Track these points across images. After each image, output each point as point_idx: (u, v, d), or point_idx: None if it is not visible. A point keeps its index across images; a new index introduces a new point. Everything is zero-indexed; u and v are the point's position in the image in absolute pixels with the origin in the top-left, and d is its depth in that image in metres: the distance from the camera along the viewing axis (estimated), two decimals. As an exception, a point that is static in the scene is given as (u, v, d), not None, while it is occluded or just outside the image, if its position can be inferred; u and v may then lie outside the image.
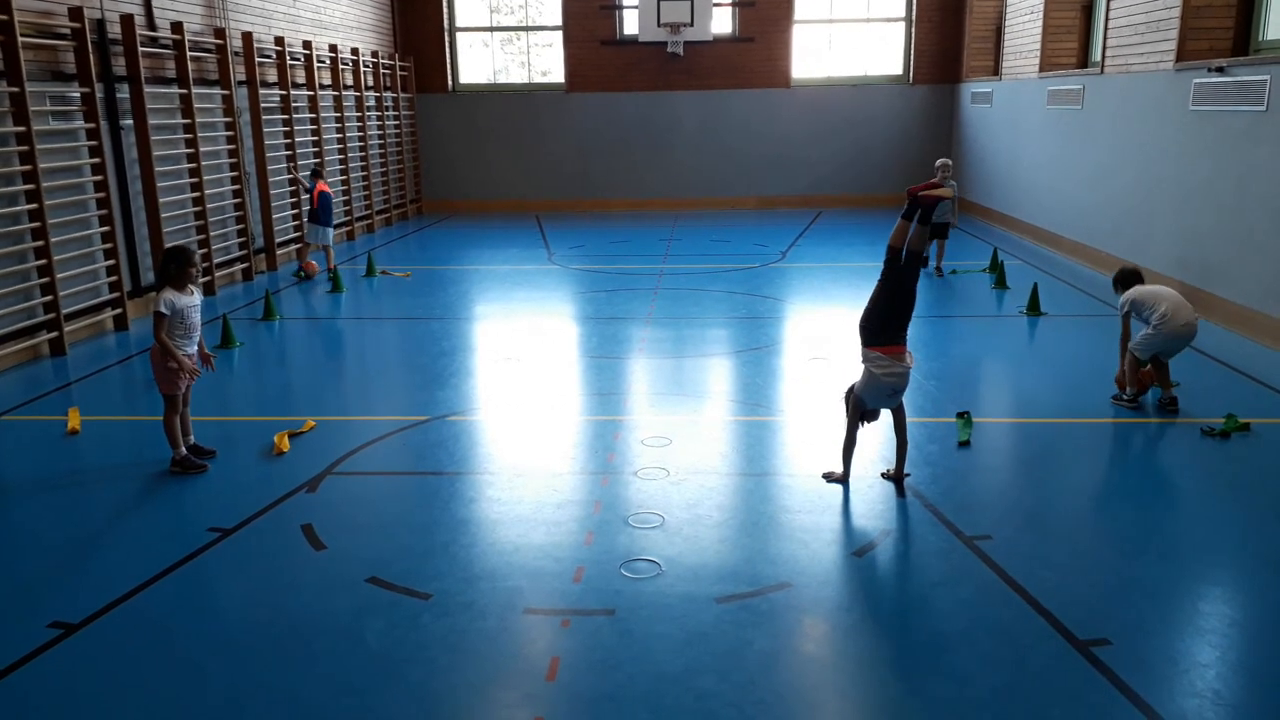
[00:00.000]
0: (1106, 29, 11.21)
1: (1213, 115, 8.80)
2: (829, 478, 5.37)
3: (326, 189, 11.76)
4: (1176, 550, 4.62)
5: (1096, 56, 12.25)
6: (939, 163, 11.12)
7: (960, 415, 6.25)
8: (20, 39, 7.71)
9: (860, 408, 5.22)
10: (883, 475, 5.39)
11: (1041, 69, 13.31)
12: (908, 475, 5.35)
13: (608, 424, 6.49)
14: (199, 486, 5.50)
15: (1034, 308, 9.33)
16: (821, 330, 9.12)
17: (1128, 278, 6.76)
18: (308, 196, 11.79)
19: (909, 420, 5.39)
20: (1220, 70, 8.64)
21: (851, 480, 5.33)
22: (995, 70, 15.94)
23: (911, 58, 17.66)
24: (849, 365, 7.57)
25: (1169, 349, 6.49)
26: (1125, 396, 6.59)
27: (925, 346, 7.99)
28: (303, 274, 11.83)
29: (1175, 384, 6.70)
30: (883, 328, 5.09)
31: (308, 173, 12.24)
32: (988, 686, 3.56)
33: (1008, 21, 15.04)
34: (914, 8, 17.45)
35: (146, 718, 3.46)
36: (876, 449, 5.67)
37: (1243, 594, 4.27)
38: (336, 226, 14.29)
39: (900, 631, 3.97)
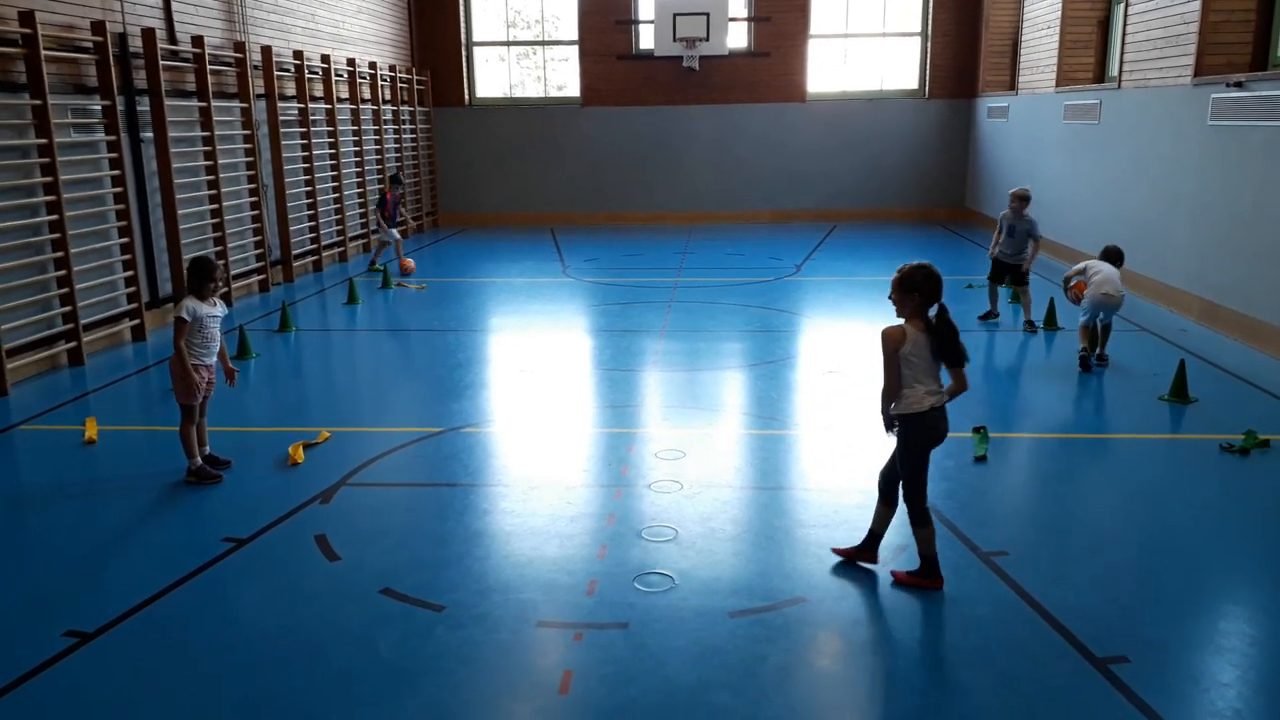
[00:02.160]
0: (1124, 44, 11.18)
1: (1231, 130, 8.76)
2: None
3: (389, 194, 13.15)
4: (1196, 567, 4.57)
5: (1114, 71, 12.22)
6: (1016, 191, 9.37)
7: (976, 430, 6.21)
8: (43, 52, 7.80)
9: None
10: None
11: (1058, 84, 13.28)
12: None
13: (621, 437, 6.48)
14: (214, 497, 5.51)
15: (1050, 322, 9.28)
16: (836, 344, 9.09)
17: (1106, 253, 8.06)
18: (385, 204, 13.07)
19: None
20: (1239, 85, 8.59)
21: (864, 496, 5.27)
22: (1011, 85, 15.92)
23: (927, 72, 17.66)
24: (863, 378, 7.55)
25: (1098, 311, 7.80)
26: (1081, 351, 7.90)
27: (941, 361, 7.94)
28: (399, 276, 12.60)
29: (1105, 357, 7.97)
30: None
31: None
32: (1004, 704, 3.52)
33: (1024, 36, 15.02)
34: (929, 22, 17.46)
35: (159, 727, 3.46)
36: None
37: (1264, 612, 4.21)
38: (353, 239, 14.47)
39: (916, 647, 3.94)
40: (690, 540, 4.84)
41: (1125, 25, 11.16)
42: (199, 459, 5.68)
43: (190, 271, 5.67)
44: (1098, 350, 7.98)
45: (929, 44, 17.55)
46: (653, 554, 4.69)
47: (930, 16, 17.41)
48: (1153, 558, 4.69)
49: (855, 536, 4.86)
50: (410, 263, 12.80)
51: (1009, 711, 3.48)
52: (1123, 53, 11.20)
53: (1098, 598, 4.26)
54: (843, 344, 9.06)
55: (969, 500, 5.31)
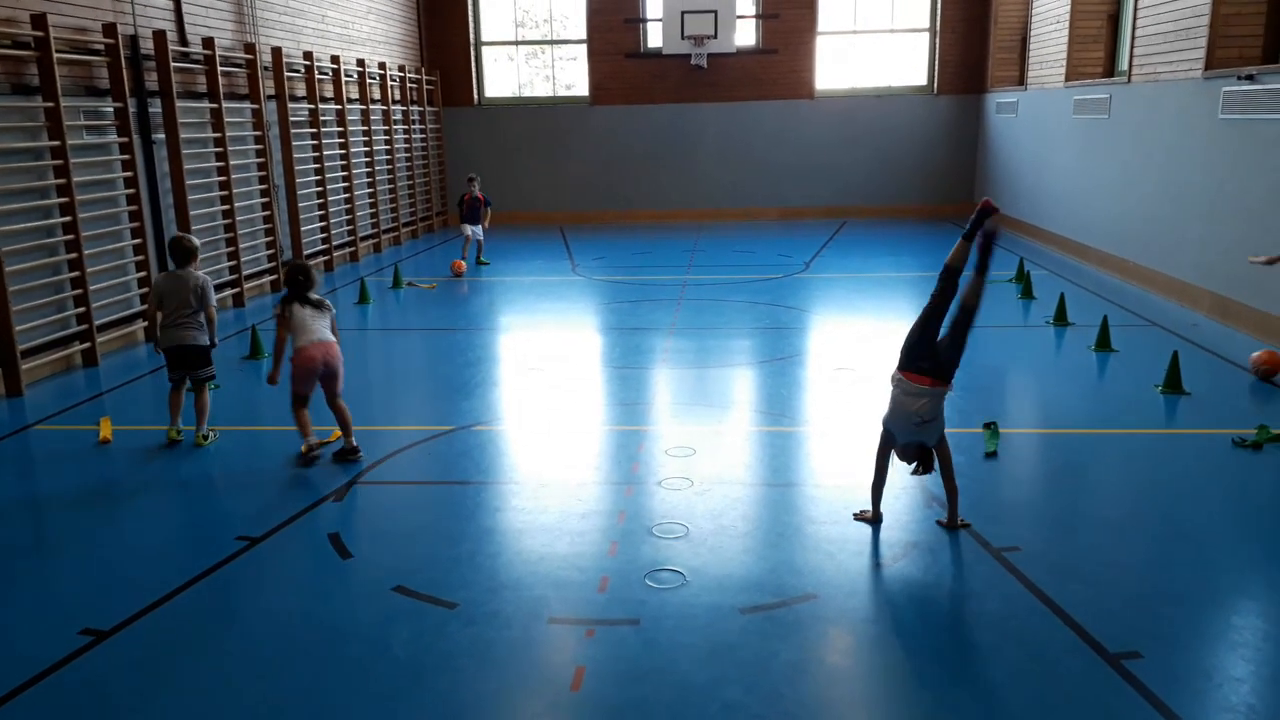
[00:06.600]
0: (1134, 37, 11.13)
1: (1243, 123, 8.72)
2: (859, 517, 5.00)
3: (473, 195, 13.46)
4: (1208, 563, 4.56)
5: (1123, 65, 12.16)
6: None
7: (987, 426, 6.20)
8: (56, 55, 7.85)
9: (889, 441, 4.84)
10: (938, 523, 4.95)
11: (1067, 78, 13.23)
12: (966, 525, 4.89)
13: (632, 434, 6.49)
14: (228, 495, 5.55)
15: (1061, 318, 9.26)
16: (845, 341, 9.08)
17: None
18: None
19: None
20: (1250, 78, 8.55)
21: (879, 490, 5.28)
22: (1020, 80, 15.87)
23: (936, 68, 17.61)
24: (873, 375, 7.55)
25: None
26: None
27: (951, 357, 7.92)
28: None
29: None
30: (909, 351, 4.75)
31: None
32: (1016, 700, 3.52)
33: (1033, 31, 14.97)
34: (938, 18, 17.41)
35: (176, 724, 3.49)
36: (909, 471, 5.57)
37: (1277, 607, 4.20)
38: (364, 239, 14.52)
39: (927, 644, 3.94)
40: (701, 537, 4.85)
41: (1135, 19, 11.10)
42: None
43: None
44: None
45: (937, 39, 17.50)
46: (664, 551, 4.70)
47: (939, 12, 17.36)
48: (1165, 552, 4.68)
49: (867, 533, 4.88)
50: (462, 265, 13.03)
51: (1021, 707, 3.48)
52: (1133, 46, 11.15)
53: (1110, 593, 4.25)
54: (852, 340, 9.05)
55: (980, 496, 5.30)
